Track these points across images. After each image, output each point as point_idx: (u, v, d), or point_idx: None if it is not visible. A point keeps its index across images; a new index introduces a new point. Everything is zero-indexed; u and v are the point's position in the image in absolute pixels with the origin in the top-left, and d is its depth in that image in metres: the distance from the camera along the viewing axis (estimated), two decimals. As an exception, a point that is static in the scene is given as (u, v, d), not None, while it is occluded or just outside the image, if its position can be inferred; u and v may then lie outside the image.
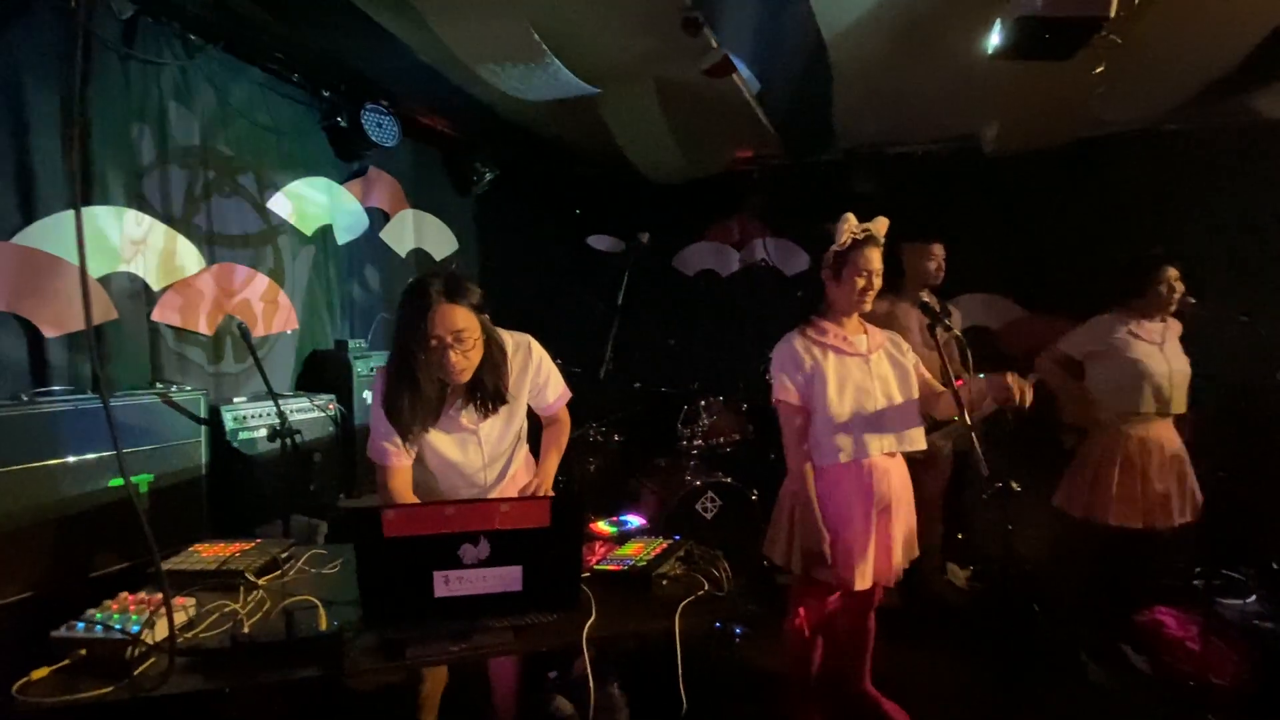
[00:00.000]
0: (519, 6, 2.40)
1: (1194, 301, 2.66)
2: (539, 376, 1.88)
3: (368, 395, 3.13)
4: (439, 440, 1.79)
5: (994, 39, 2.32)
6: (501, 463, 1.91)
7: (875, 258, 1.98)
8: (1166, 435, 2.64)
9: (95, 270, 2.32)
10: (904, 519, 2.07)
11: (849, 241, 1.98)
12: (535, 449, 2.06)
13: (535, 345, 1.88)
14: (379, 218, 3.78)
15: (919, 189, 4.10)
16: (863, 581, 1.97)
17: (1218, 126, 3.56)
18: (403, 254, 3.96)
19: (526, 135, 4.13)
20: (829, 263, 2.02)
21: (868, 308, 2.02)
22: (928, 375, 2.15)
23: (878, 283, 2.00)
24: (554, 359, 1.96)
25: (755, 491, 3.29)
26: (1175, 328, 2.71)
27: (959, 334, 2.17)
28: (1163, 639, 2.64)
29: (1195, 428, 2.72)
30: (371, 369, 3.15)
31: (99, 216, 2.35)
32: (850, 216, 2.00)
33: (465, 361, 1.65)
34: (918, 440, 2.08)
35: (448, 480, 1.86)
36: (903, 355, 2.12)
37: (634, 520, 2.08)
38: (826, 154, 4.45)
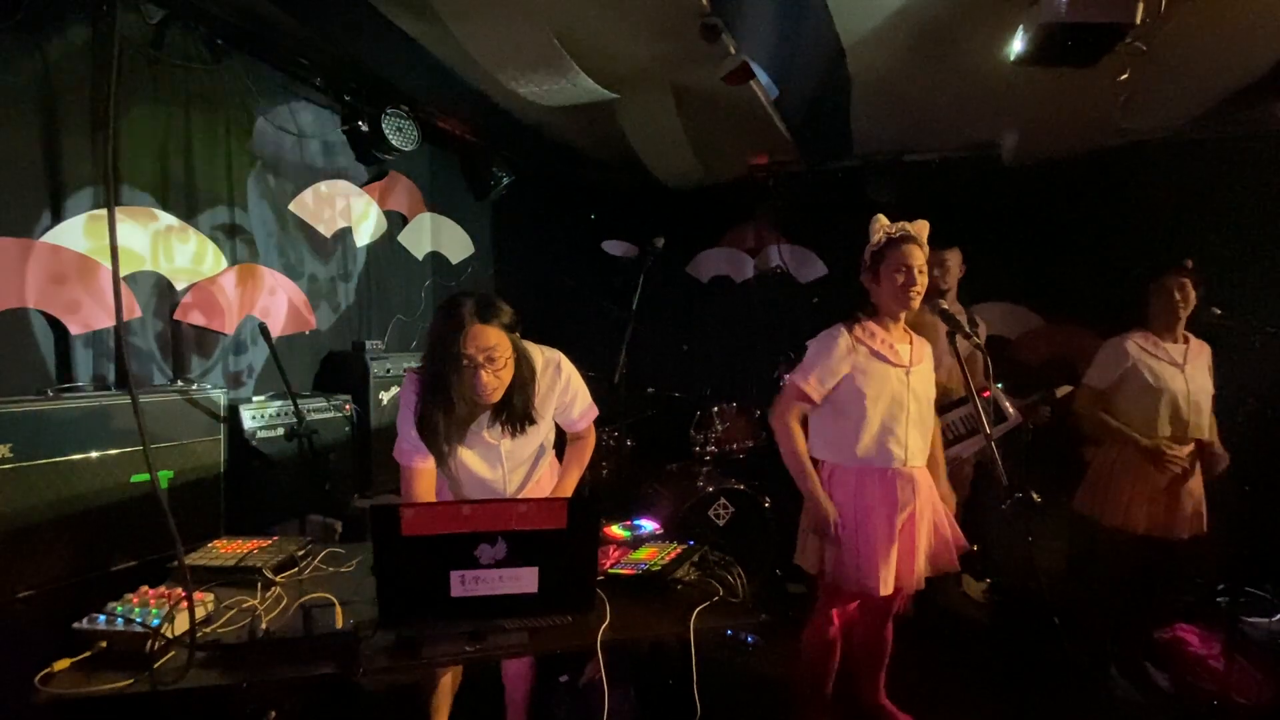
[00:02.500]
0: (539, 12, 2.42)
1: (1219, 313, 2.61)
2: (565, 395, 1.87)
3: (384, 396, 3.15)
4: (464, 454, 1.81)
5: (1016, 46, 2.31)
6: (524, 471, 1.92)
7: (914, 254, 1.96)
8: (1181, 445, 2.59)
9: (121, 269, 2.36)
10: (929, 527, 2.05)
11: (883, 239, 1.98)
12: (560, 453, 2.06)
13: (565, 363, 1.87)
14: (397, 220, 3.81)
15: (937, 197, 4.07)
16: (885, 588, 1.95)
17: (1242, 135, 3.51)
18: (420, 257, 3.99)
19: (544, 140, 4.16)
20: (867, 263, 2.01)
21: (914, 305, 1.99)
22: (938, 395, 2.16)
23: (921, 280, 1.97)
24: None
25: (768, 499, 3.27)
26: (1200, 350, 2.64)
27: (979, 341, 2.15)
28: (1185, 656, 2.59)
29: (1222, 442, 2.67)
30: (388, 370, 3.18)
31: (125, 216, 2.39)
32: (881, 216, 2.01)
33: (496, 381, 1.65)
34: (924, 455, 2.08)
35: (471, 489, 1.87)
36: (934, 369, 2.13)
37: (648, 525, 2.07)
38: (843, 161, 4.44)
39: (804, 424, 2.11)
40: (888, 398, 1.97)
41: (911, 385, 2.01)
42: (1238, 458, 2.68)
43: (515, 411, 1.74)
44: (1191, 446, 2.56)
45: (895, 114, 3.58)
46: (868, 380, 1.97)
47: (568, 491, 1.94)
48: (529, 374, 1.75)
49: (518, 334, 1.71)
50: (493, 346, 1.61)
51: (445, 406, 1.66)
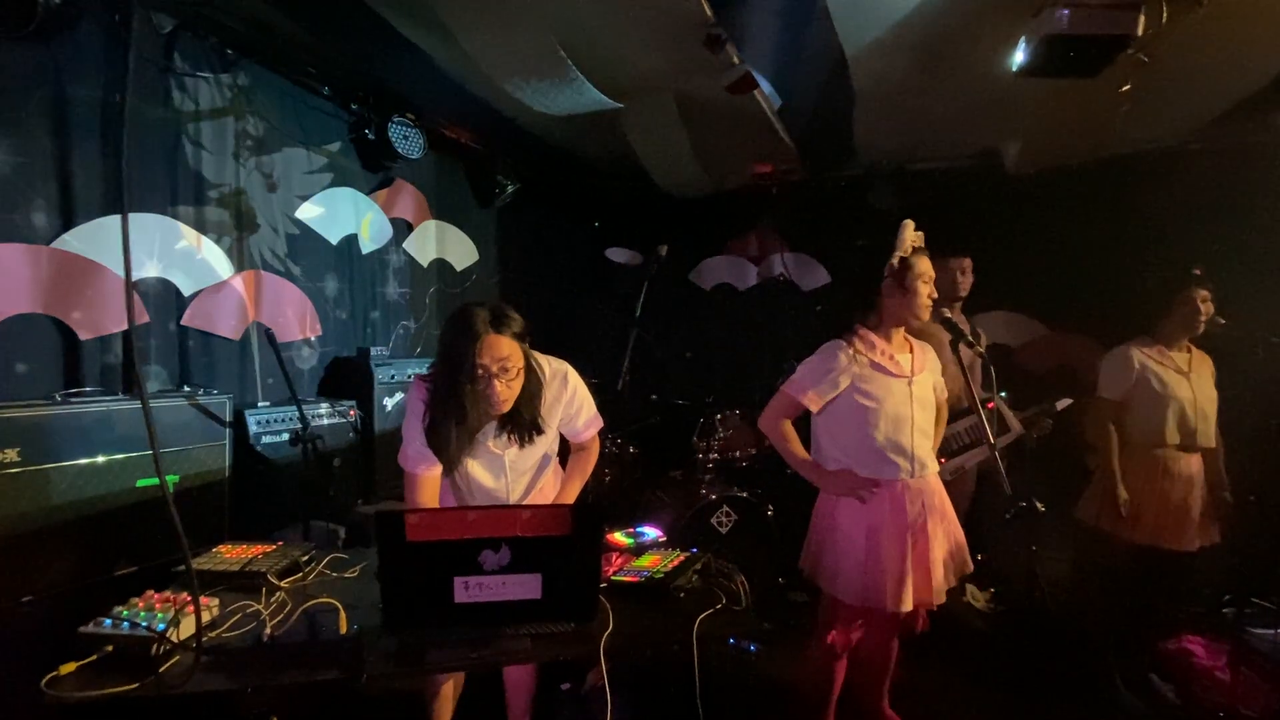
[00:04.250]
0: (544, 22, 2.44)
1: (1223, 322, 2.61)
2: (571, 406, 1.88)
3: (388, 402, 3.17)
4: (468, 463, 1.81)
5: (1019, 57, 2.32)
6: (527, 480, 1.92)
7: (929, 267, 1.97)
8: (1186, 461, 2.58)
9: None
10: (944, 537, 2.02)
11: (911, 249, 1.97)
12: (564, 462, 2.07)
13: (571, 374, 1.87)
14: (403, 228, 3.84)
15: (940, 206, 4.08)
16: (900, 605, 1.92)
17: (1244, 146, 3.52)
18: (425, 264, 4.01)
19: (548, 149, 4.19)
20: (893, 271, 1.96)
21: (927, 316, 1.99)
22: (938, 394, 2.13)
23: (935, 291, 1.99)
24: None
25: (770, 506, 3.27)
26: (1203, 360, 2.64)
27: (982, 351, 2.15)
28: (1191, 668, 2.57)
29: (1226, 452, 2.66)
30: (392, 376, 3.19)
31: (134, 223, 2.42)
32: (910, 223, 1.99)
33: (508, 392, 1.66)
34: (933, 463, 2.06)
35: (474, 497, 1.87)
36: (937, 374, 2.10)
37: (651, 532, 2.07)
38: (846, 169, 4.46)
39: (808, 440, 2.12)
40: (891, 410, 1.96)
41: (915, 395, 1.99)
42: (1243, 468, 2.67)
43: (523, 422, 1.75)
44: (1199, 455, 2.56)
45: (898, 123, 3.59)
46: (869, 393, 1.96)
47: (569, 501, 1.93)
48: (537, 385, 1.75)
49: (528, 344, 1.72)
50: (506, 357, 1.62)
51: (458, 416, 1.67)
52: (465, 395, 1.64)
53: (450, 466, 1.74)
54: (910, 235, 1.97)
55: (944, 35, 2.58)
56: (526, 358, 1.70)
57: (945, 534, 2.03)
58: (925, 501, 1.98)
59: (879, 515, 1.96)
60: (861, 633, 2.14)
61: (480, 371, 1.61)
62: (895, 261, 1.96)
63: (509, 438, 1.77)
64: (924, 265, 1.96)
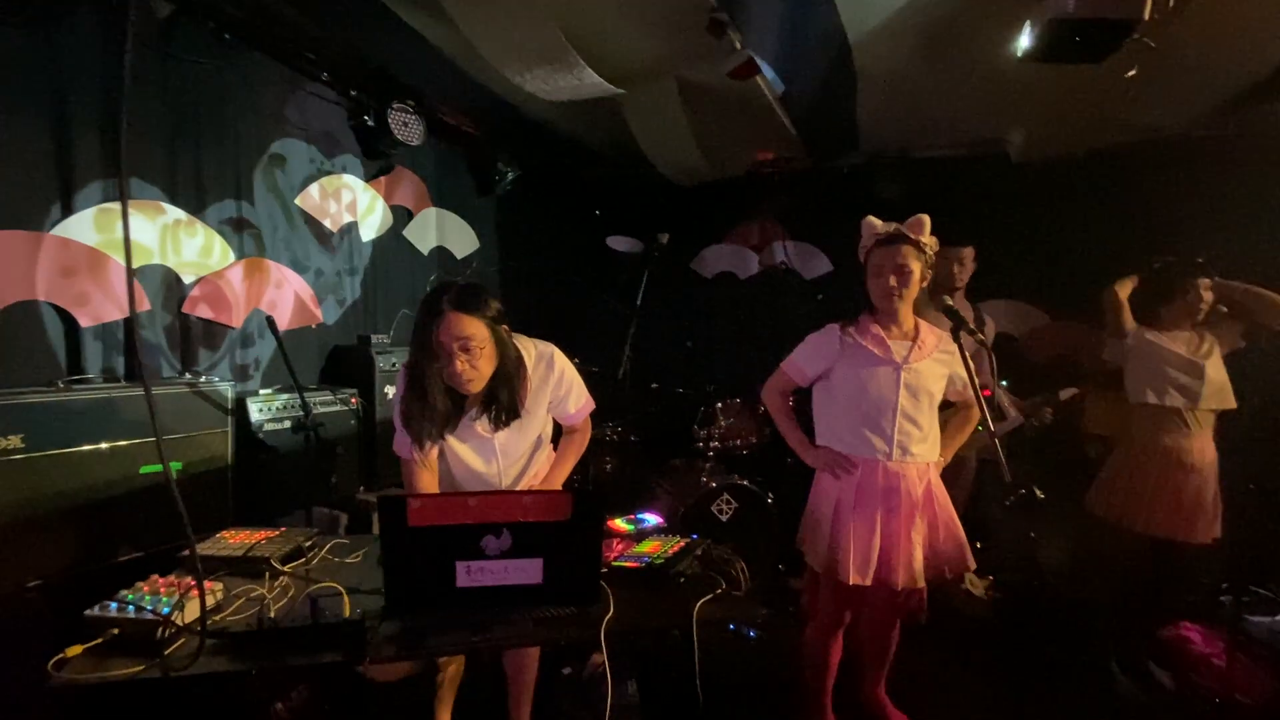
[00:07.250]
0: (545, 8, 2.42)
1: (1225, 310, 2.60)
2: (559, 389, 1.86)
3: (389, 390, 3.17)
4: (458, 447, 1.82)
5: (1024, 41, 2.30)
6: (519, 465, 1.92)
7: (900, 255, 1.94)
8: (1200, 446, 2.58)
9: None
10: (927, 528, 2.01)
11: (871, 242, 2.00)
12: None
13: (558, 356, 1.86)
14: (403, 215, 3.83)
15: (944, 194, 4.05)
16: (862, 578, 1.95)
17: (1251, 133, 3.49)
18: (425, 251, 4.01)
19: (549, 136, 4.16)
20: (862, 263, 2.07)
21: (897, 306, 1.99)
22: (960, 387, 2.10)
23: (903, 280, 1.96)
24: (571, 358, 1.93)
25: (771, 494, 3.28)
26: (1213, 341, 2.64)
27: (984, 339, 2.14)
28: (1188, 655, 2.59)
29: (1225, 442, 2.67)
30: (393, 364, 3.19)
31: (134, 210, 2.41)
32: (871, 218, 2.03)
33: (473, 371, 1.64)
34: (931, 454, 2.05)
35: (465, 482, 1.88)
36: (950, 365, 2.06)
37: (651, 519, 2.09)
38: (850, 157, 4.43)
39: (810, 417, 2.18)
40: (874, 392, 1.99)
41: (905, 381, 1.98)
42: (1242, 457, 2.67)
43: (501, 404, 1.74)
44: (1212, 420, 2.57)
45: (901, 110, 3.57)
46: (850, 374, 2.03)
47: (557, 484, 1.93)
48: (514, 367, 1.73)
49: (505, 326, 1.70)
50: (468, 336, 1.60)
51: (420, 395, 1.67)
52: (428, 374, 1.65)
53: (422, 446, 1.73)
54: (870, 230, 2.02)
55: (948, 21, 2.55)
56: (498, 339, 1.68)
57: (930, 525, 2.03)
58: (904, 487, 1.99)
59: (848, 491, 2.03)
60: (854, 614, 2.16)
61: (441, 349, 1.61)
62: (860, 257, 2.06)
63: (490, 420, 1.76)
64: (886, 255, 1.97)
